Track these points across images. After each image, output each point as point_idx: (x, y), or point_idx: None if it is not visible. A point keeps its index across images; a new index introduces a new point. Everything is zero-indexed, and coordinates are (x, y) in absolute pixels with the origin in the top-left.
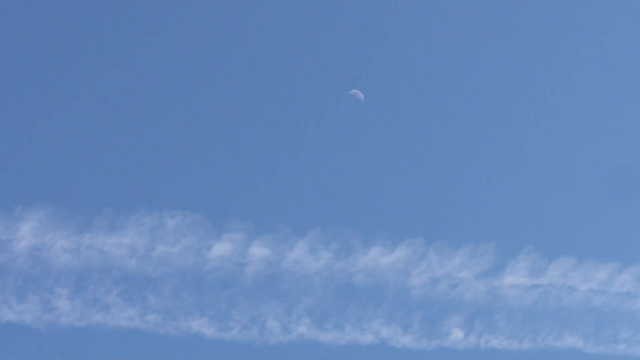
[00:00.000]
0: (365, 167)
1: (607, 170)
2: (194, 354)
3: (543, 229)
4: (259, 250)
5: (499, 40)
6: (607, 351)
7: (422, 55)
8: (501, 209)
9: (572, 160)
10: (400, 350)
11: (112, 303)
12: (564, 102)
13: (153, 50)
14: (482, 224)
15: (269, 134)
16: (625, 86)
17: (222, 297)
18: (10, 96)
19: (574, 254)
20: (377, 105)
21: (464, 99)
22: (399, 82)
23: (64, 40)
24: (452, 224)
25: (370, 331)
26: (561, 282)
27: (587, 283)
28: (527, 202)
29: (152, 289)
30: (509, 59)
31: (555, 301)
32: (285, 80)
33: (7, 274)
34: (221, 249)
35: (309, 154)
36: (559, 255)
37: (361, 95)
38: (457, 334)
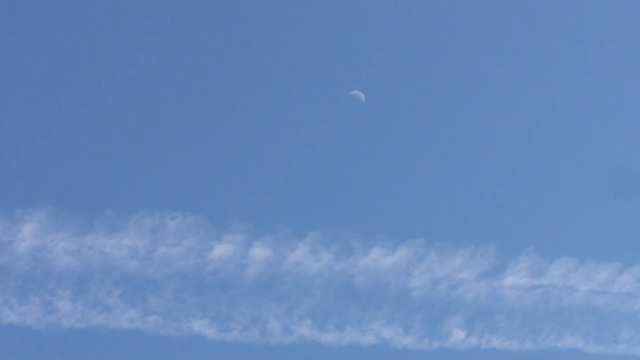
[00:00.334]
0: (365, 168)
1: (608, 170)
2: (195, 355)
3: (544, 229)
4: (259, 252)
5: (499, 41)
6: (607, 351)
7: (422, 56)
8: (501, 209)
9: (572, 161)
10: (401, 351)
11: (113, 304)
12: (563, 102)
13: (154, 51)
14: (482, 225)
15: (269, 136)
16: (625, 86)
17: (223, 298)
18: (11, 97)
19: (574, 254)
20: (378, 107)
21: (465, 100)
22: (400, 83)
23: (66, 42)
24: (453, 224)
25: (371, 332)
26: (562, 283)
27: (588, 283)
28: (528, 203)
29: (153, 290)
30: (509, 60)
31: (556, 302)
32: (286, 81)
33: (8, 276)
34: (222, 250)
35: (309, 155)
36: (560, 256)
37: (362, 97)
38: (458, 334)
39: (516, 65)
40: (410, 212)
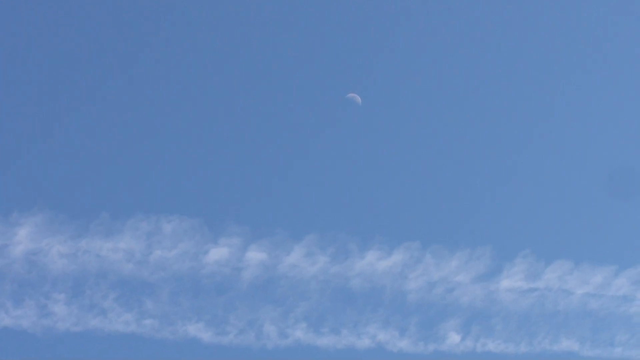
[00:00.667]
0: (361, 171)
1: (604, 173)
2: (191, 359)
3: (539, 232)
4: (255, 255)
5: (498, 41)
6: (603, 354)
7: (419, 58)
8: (497, 212)
9: (568, 162)
10: (397, 354)
11: (109, 308)
12: (561, 104)
13: (152, 52)
14: (478, 228)
15: (265, 138)
16: (624, 86)
17: (219, 301)
18: (7, 100)
19: (570, 257)
20: (375, 109)
21: (461, 102)
22: (396, 85)
23: (62, 44)
24: (449, 227)
25: (367, 335)
26: (557, 286)
27: (583, 286)
28: (524, 206)
29: (149, 294)
30: (507, 60)
31: (551, 305)
32: (283, 84)
33: (4, 279)
34: (218, 253)
35: (305, 158)
36: (556, 259)
37: (358, 99)
38: (454, 337)
39: (514, 66)
40: (406, 215)
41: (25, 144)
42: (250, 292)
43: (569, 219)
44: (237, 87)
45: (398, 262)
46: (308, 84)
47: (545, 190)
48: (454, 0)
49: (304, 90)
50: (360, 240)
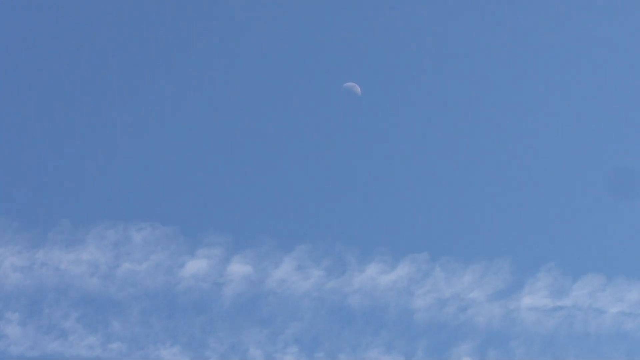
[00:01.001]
0: (361, 171)
1: None
2: None
3: (566, 242)
4: (239, 268)
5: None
6: None
7: (432, 50)
8: (517, 219)
9: (602, 164)
10: None
11: (70, 329)
12: (583, 109)
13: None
14: (495, 237)
15: (250, 134)
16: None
17: (196, 322)
18: None
19: (602, 270)
20: (375, 100)
21: (474, 99)
22: (401, 77)
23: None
24: (461, 236)
25: None
26: (587, 304)
27: (617, 304)
28: (548, 212)
29: (116, 313)
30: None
31: (580, 325)
32: (272, 75)
33: None
34: (196, 266)
35: (296, 157)
36: (585, 273)
37: (358, 89)
38: None
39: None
40: (413, 222)
41: None
42: (233, 311)
43: (600, 227)
44: (216, 79)
45: (403, 276)
46: (301, 75)
47: (574, 194)
48: None
49: (294, 81)
50: (360, 251)
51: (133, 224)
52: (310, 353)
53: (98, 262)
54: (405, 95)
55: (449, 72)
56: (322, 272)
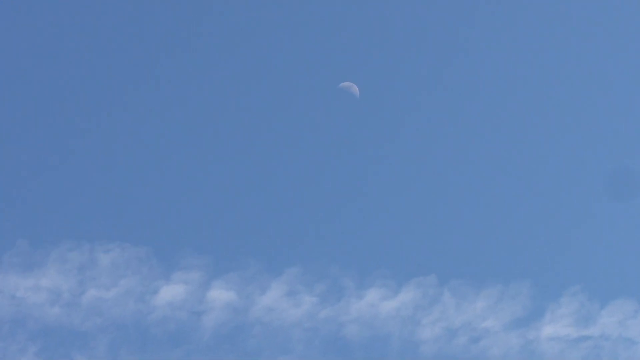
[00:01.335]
0: (359, 182)
1: None
2: None
3: (593, 263)
4: (220, 294)
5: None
6: None
7: (432, 50)
8: (538, 238)
9: (629, 176)
10: None
11: None
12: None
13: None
14: (512, 257)
15: (234, 141)
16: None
17: (172, 355)
18: None
19: (632, 295)
20: (375, 102)
21: (485, 106)
22: (403, 79)
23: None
24: (473, 257)
25: None
26: (617, 333)
27: None
28: (572, 231)
29: (80, 346)
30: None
31: (609, 356)
32: (266, 75)
33: None
34: (171, 292)
35: (286, 165)
36: (615, 298)
37: (355, 89)
38: None
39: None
40: (418, 241)
41: None
42: (213, 343)
43: (631, 247)
44: (197, 81)
45: (407, 302)
46: (295, 76)
47: (600, 211)
48: None
49: (287, 82)
50: (358, 275)
51: (100, 245)
52: None
53: (60, 289)
54: (407, 99)
55: (449, 72)
56: (315, 298)
